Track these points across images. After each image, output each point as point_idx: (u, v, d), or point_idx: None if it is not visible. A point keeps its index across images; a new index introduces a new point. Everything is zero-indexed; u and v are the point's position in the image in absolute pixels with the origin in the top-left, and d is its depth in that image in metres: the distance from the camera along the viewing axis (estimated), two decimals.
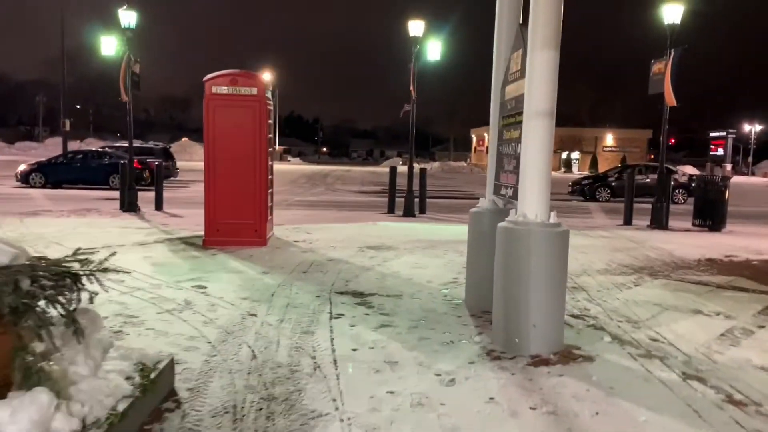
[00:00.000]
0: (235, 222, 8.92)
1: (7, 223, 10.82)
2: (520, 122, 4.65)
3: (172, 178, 25.32)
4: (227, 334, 4.70)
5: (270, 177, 9.46)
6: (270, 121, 9.27)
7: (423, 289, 6.43)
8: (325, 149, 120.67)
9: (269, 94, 9.33)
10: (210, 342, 4.50)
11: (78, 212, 12.85)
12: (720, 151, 68.38)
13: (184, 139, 74.91)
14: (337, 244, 9.23)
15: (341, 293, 6.13)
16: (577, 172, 64.06)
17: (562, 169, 65.37)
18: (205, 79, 8.81)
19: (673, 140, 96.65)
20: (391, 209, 14.22)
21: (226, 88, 8.76)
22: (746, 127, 78.16)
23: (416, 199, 14.03)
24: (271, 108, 9.45)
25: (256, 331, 4.76)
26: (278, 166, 49.60)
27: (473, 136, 76.75)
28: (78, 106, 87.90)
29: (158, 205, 13.99)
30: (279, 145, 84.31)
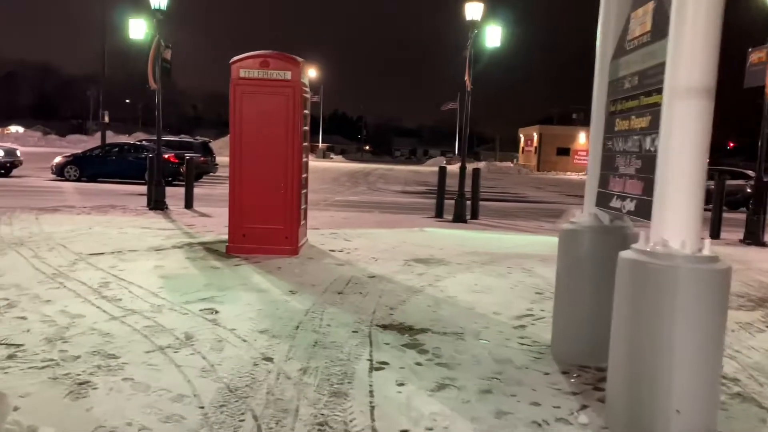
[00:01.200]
0: (263, 227, 7.70)
1: (21, 220, 9.89)
2: (648, 105, 3.23)
3: (211, 174, 24.50)
4: (229, 392, 3.42)
5: (304, 176, 8.21)
6: (306, 111, 8.01)
7: (490, 323, 5.04)
8: (368, 147, 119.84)
9: (306, 80, 8.08)
10: (202, 407, 3.22)
11: (101, 209, 11.90)
12: None
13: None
14: (380, 256, 7.90)
15: (384, 327, 4.80)
16: None
17: None
18: (232, 60, 7.61)
19: (732, 144, 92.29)
20: (439, 213, 12.83)
21: (255, 71, 7.54)
22: None
23: (467, 202, 12.62)
24: (308, 96, 8.19)
25: (269, 390, 3.46)
26: (321, 164, 49.39)
27: (521, 135, 74.44)
28: (128, 101, 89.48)
29: (188, 203, 12.96)
30: (322, 142, 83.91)
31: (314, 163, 54.98)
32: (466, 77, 11.72)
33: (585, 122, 69.41)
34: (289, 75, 7.55)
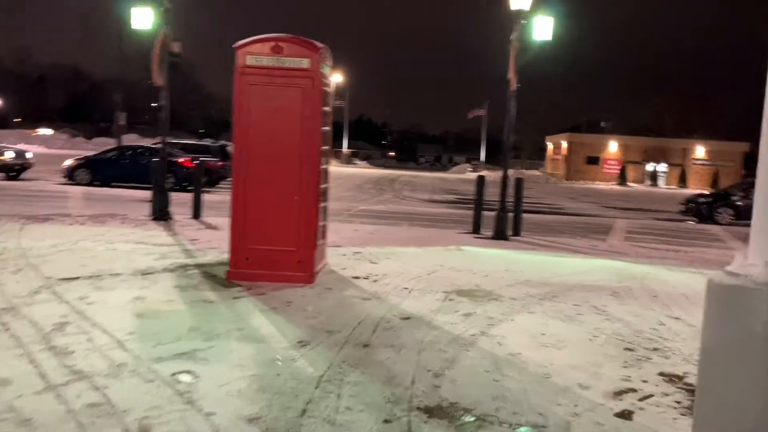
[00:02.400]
0: (272, 249, 6.29)
1: (1, 233, 8.65)
2: None
3: (229, 179, 23.28)
4: None
5: (324, 186, 6.80)
6: (327, 108, 6.61)
7: (579, 404, 3.54)
8: (392, 153, 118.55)
9: (327, 70, 6.67)
10: None
11: (98, 219, 10.65)
12: None
13: None
14: (413, 285, 6.44)
15: (429, 412, 3.33)
16: (663, 187, 58.89)
17: (648, 182, 60.31)
18: (236, 45, 6.24)
19: None
20: (476, 228, 11.32)
21: (265, 58, 6.16)
22: None
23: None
24: (330, 90, 6.79)
25: None
26: (345, 170, 48.29)
27: (549, 143, 72.40)
28: (154, 104, 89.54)
29: (196, 213, 11.65)
30: (347, 148, 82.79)
31: (338, 168, 54.02)
32: (510, 74, 10.22)
33: (614, 130, 67.34)
34: (306, 63, 6.15)
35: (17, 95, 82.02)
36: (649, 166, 61.39)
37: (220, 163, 21.96)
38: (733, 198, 18.39)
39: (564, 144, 63.83)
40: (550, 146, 72.14)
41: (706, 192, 20.62)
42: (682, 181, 58.75)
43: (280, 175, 6.23)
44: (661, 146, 61.50)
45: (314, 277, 6.39)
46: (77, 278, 6.06)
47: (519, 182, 11.27)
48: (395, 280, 6.63)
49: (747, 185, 18.87)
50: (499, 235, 10.60)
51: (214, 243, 8.58)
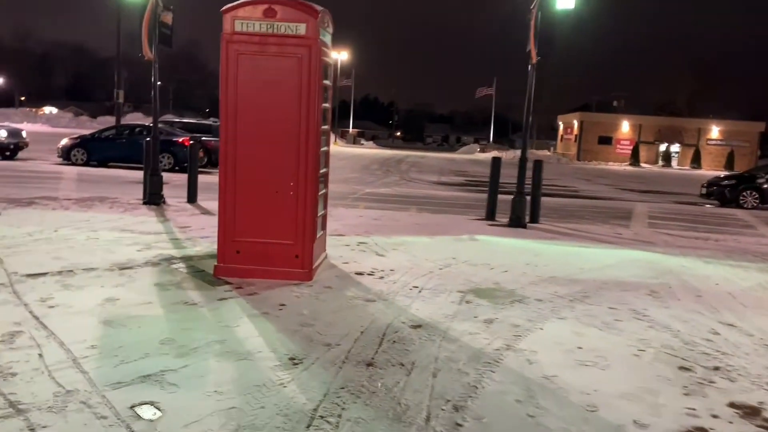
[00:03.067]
0: (265, 242, 5.56)
1: None
2: None
3: None
4: None
5: (324, 170, 6.04)
6: (327, 82, 5.83)
7: None
8: (399, 133, 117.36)
9: (328, 38, 5.87)
10: None
11: (86, 203, 9.95)
12: None
13: None
14: (424, 283, 5.70)
15: None
16: (677, 167, 57.71)
17: (661, 163, 59.14)
18: (224, 8, 5.44)
19: None
20: (490, 214, 10.55)
21: (257, 23, 5.36)
22: None
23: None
24: (330, 60, 5.99)
25: None
26: (351, 150, 47.58)
27: (560, 123, 71.07)
28: (159, 83, 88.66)
29: (191, 197, 10.93)
30: (353, 127, 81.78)
31: (344, 149, 53.21)
32: (531, 47, 9.36)
33: (626, 110, 65.93)
34: (303, 29, 5.34)
35: (21, 74, 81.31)
36: (663, 147, 60.15)
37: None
38: (759, 181, 17.49)
39: (576, 123, 62.59)
40: (561, 126, 70.82)
41: (729, 174, 19.68)
42: (696, 162, 57.52)
43: (273, 158, 5.47)
44: (675, 126, 60.17)
45: (313, 273, 5.65)
46: (45, 274, 5.36)
47: (538, 165, 10.45)
48: (403, 277, 5.89)
49: None
50: (516, 222, 9.82)
51: (207, 231, 7.86)
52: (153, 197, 10.18)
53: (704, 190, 18.43)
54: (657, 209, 15.67)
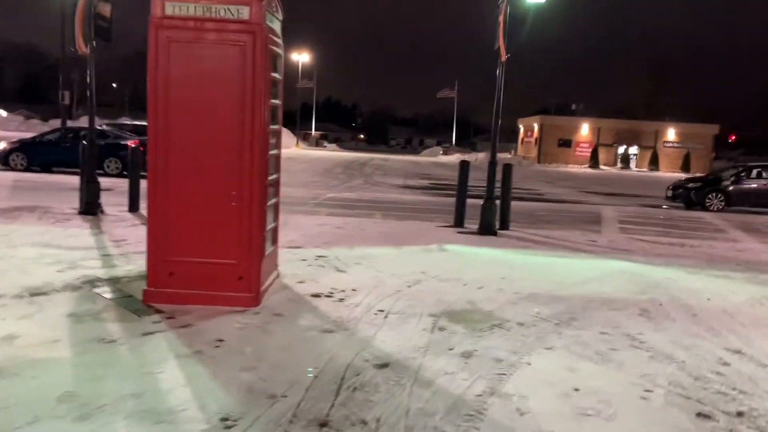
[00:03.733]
0: (204, 261, 4.75)
1: None
2: None
3: None
4: None
5: (273, 177, 5.26)
6: (276, 75, 5.06)
7: None
8: (362, 136, 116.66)
9: (277, 26, 5.11)
10: None
11: (12, 213, 8.90)
12: None
13: None
14: (391, 306, 4.98)
15: None
16: (635, 169, 58.47)
17: (620, 165, 59.86)
18: None
19: (734, 137, 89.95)
20: (459, 221, 9.90)
21: (191, 4, 4.55)
22: None
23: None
24: (280, 51, 5.22)
25: None
26: (314, 153, 46.63)
27: (520, 126, 71.47)
28: (114, 85, 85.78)
29: (133, 205, 9.97)
30: (316, 130, 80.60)
31: (306, 151, 52.19)
32: (500, 43, 8.75)
33: (585, 113, 66.67)
34: (246, 12, 4.56)
35: None
36: (621, 149, 60.92)
37: None
38: (725, 183, 17.35)
39: (536, 126, 62.94)
40: (521, 129, 71.19)
41: (694, 176, 19.57)
42: (654, 164, 58.42)
43: (212, 164, 4.67)
44: (633, 129, 61.04)
45: (260, 297, 4.87)
46: None
47: (508, 169, 9.85)
48: (367, 299, 5.16)
49: (739, 170, 17.88)
50: (486, 229, 9.19)
51: (145, 244, 6.95)
52: (89, 206, 9.20)
53: (670, 193, 18.23)
54: (625, 213, 15.32)
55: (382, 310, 4.83)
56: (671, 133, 61.18)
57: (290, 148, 58.11)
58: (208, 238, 4.73)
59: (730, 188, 17.19)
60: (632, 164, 60.35)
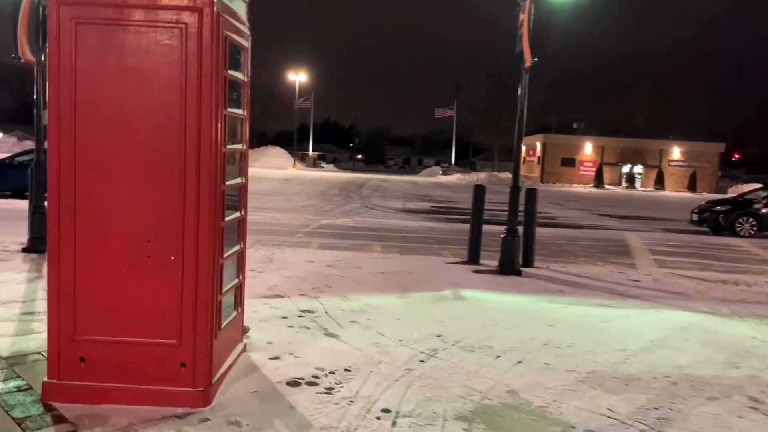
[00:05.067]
0: (129, 341, 3.27)
1: None
2: None
3: None
4: None
5: (234, 216, 3.78)
6: (237, 74, 3.62)
7: None
8: (360, 156, 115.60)
9: (238, 4, 3.67)
10: None
11: None
12: None
13: None
14: (399, 400, 3.48)
15: None
16: (640, 188, 57.17)
17: (625, 185, 58.59)
18: None
19: (738, 155, 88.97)
20: (474, 256, 8.41)
21: None
22: None
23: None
24: (244, 42, 3.77)
25: None
26: (310, 174, 45.24)
27: (522, 145, 70.22)
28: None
29: None
30: (313, 151, 79.31)
31: (303, 172, 50.89)
32: (524, 45, 7.36)
33: (586, 132, 65.56)
34: None
35: None
36: (626, 168, 59.70)
37: None
38: (756, 206, 15.91)
39: (539, 145, 61.82)
40: (523, 148, 70.02)
41: (721, 198, 18.14)
42: (659, 183, 57.16)
43: (140, 198, 3.21)
44: (638, 147, 59.91)
45: (212, 392, 3.37)
46: None
47: (532, 195, 8.39)
48: (366, 386, 3.65)
49: None
50: (508, 267, 7.71)
51: None
52: (34, 243, 7.73)
53: (695, 217, 16.77)
54: (651, 240, 13.84)
55: (387, 410, 3.33)
56: (676, 152, 60.04)
57: (287, 168, 56.82)
58: (135, 308, 3.25)
59: (763, 211, 15.75)
60: (637, 183, 59.09)
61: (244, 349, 4.10)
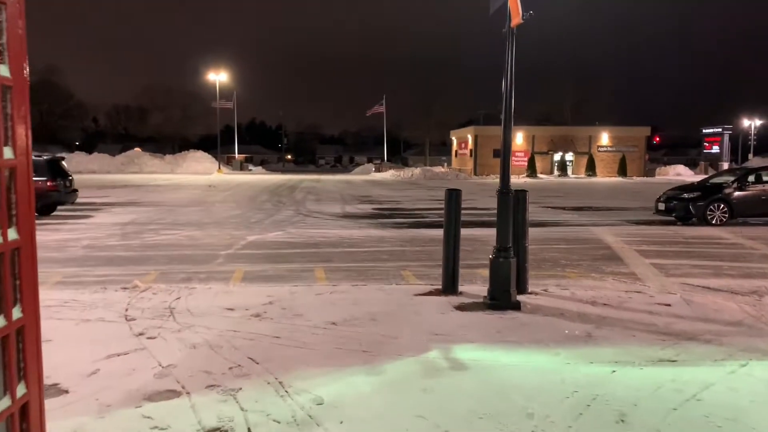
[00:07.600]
0: None
1: None
2: None
3: (68, 205, 17.06)
4: None
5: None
6: None
7: None
8: (290, 157, 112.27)
9: None
10: None
11: None
12: (715, 149, 62.42)
13: (136, 149, 65.74)
14: None
15: None
16: (572, 176, 57.20)
17: (557, 173, 58.52)
18: None
19: (657, 138, 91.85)
20: (450, 283, 6.33)
21: None
22: (745, 122, 72.97)
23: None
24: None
25: None
26: (237, 177, 42.02)
27: (453, 138, 69.41)
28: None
29: None
30: (239, 153, 75.66)
31: (230, 176, 47.64)
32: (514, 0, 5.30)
33: (517, 122, 65.76)
34: None
35: None
36: (557, 156, 59.67)
37: (50, 184, 15.76)
38: (727, 191, 14.67)
39: (470, 138, 60.89)
40: (454, 141, 69.10)
41: (687, 184, 16.88)
42: (591, 170, 57.38)
43: None
44: (567, 135, 60.03)
45: None
46: None
47: (521, 198, 6.36)
48: None
49: (738, 175, 15.27)
50: (502, 299, 5.66)
51: None
52: None
53: (662, 206, 15.40)
54: (626, 236, 12.25)
55: None
56: (605, 138, 60.53)
57: (212, 173, 53.33)
58: None
59: (734, 195, 14.52)
60: (569, 170, 59.15)
61: None
